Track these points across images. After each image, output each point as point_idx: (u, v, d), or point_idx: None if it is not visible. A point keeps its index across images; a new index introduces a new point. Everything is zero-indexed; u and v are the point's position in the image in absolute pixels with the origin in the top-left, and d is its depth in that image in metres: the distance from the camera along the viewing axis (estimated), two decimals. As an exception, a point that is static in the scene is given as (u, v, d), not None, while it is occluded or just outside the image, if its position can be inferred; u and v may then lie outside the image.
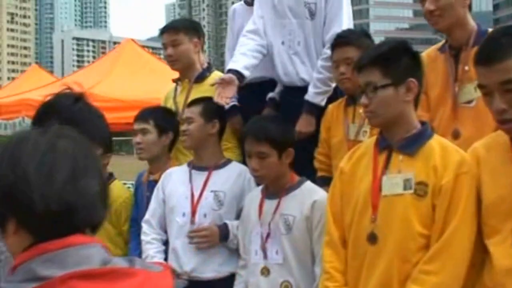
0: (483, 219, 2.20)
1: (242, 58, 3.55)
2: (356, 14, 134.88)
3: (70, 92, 2.16)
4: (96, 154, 1.25)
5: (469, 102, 2.85)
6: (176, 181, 3.41)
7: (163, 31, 3.91)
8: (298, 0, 3.58)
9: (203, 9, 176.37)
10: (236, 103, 3.77)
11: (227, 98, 3.34)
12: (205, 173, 3.35)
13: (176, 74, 4.05)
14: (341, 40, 3.22)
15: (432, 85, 2.95)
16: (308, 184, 3.04)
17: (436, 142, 2.33)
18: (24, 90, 9.94)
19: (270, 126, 2.98)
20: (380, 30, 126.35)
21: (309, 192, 2.96)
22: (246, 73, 3.49)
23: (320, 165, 3.40)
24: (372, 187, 2.34)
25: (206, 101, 3.42)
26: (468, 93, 2.85)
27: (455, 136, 2.85)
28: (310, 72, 3.56)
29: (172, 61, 3.88)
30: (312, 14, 3.56)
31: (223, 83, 3.39)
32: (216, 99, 3.32)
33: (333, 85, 3.48)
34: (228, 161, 3.44)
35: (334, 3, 3.53)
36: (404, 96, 2.32)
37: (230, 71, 3.46)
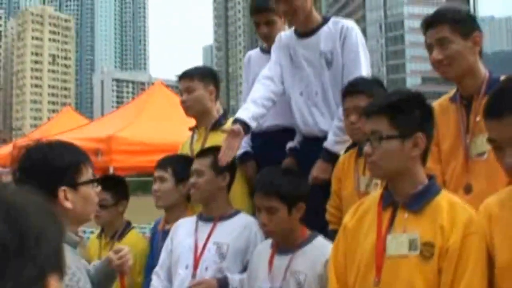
0: (496, 282, 2.02)
1: (252, 107, 3.45)
2: (392, 55, 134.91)
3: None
4: (46, 220, 1.04)
5: (481, 154, 2.71)
6: (183, 232, 3.33)
7: (180, 78, 3.92)
8: (313, 50, 3.53)
9: (240, 51, 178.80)
10: (249, 149, 3.71)
11: (230, 156, 3.23)
12: (210, 224, 3.26)
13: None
14: (352, 88, 3.13)
15: (443, 137, 2.82)
16: (320, 239, 2.90)
17: (444, 199, 2.17)
18: (55, 132, 10.08)
19: (280, 180, 2.86)
20: (416, 70, 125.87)
21: (321, 249, 2.80)
22: (253, 124, 3.39)
23: (331, 217, 3.28)
24: (376, 247, 2.19)
25: (215, 152, 3.30)
26: (480, 145, 2.70)
27: (467, 191, 2.72)
28: (329, 122, 3.48)
29: (186, 107, 3.86)
30: (329, 63, 3.50)
31: (232, 134, 3.28)
32: (222, 154, 3.20)
33: None
34: (236, 212, 3.32)
35: (352, 50, 3.46)
36: (410, 151, 2.18)
37: (237, 120, 3.36)
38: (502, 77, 2.71)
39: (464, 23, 2.80)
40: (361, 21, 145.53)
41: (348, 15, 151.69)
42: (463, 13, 2.88)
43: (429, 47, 2.84)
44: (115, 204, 3.97)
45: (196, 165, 3.34)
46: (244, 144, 3.78)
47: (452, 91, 2.95)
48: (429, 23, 2.85)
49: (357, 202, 2.49)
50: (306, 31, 3.56)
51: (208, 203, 3.32)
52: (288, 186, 2.83)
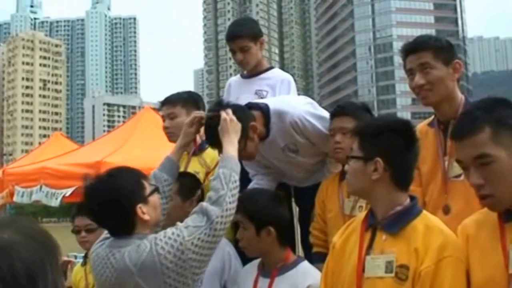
0: None
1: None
2: (382, 76, 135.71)
3: None
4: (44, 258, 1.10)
5: (459, 176, 2.78)
6: None
7: (162, 104, 3.97)
8: (274, 148, 3.41)
9: (230, 74, 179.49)
10: None
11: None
12: None
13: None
14: (339, 110, 3.24)
15: (423, 160, 2.88)
16: (304, 264, 2.90)
17: (421, 222, 2.20)
18: (46, 157, 10.09)
19: (251, 200, 2.93)
20: (406, 91, 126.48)
21: (304, 275, 2.80)
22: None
23: (315, 240, 3.34)
24: (357, 268, 2.23)
25: (181, 178, 3.32)
26: (457, 167, 2.70)
27: (446, 211, 2.81)
28: (317, 177, 3.59)
29: (168, 133, 3.90)
30: (295, 151, 3.41)
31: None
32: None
33: None
34: None
35: (312, 130, 3.32)
36: (371, 174, 2.24)
37: None
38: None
39: (446, 51, 2.91)
40: (350, 43, 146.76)
41: (337, 38, 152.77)
42: (445, 41, 2.98)
43: (410, 72, 2.93)
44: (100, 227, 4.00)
45: None
46: None
47: (430, 117, 3.06)
48: (410, 49, 2.94)
49: (347, 222, 2.54)
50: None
51: None
52: (253, 206, 2.88)
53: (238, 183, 2.64)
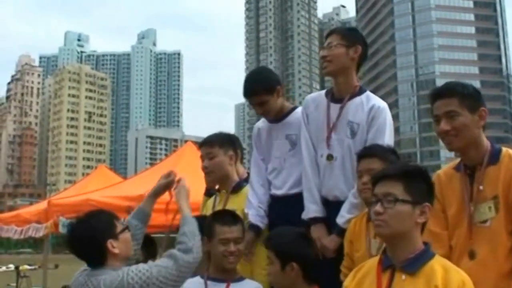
0: None
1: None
2: (424, 113, 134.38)
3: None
4: None
5: (485, 221, 2.86)
6: None
7: (201, 145, 4.16)
8: (343, 117, 3.66)
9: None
10: (258, 223, 3.88)
11: None
12: (223, 285, 3.32)
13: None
14: (367, 152, 3.31)
15: (449, 204, 2.98)
16: None
17: (437, 263, 2.34)
18: (90, 190, 10.37)
19: (276, 236, 3.12)
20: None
21: None
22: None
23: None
24: None
25: (239, 217, 3.51)
26: (483, 213, 2.86)
27: (471, 256, 2.86)
28: (340, 188, 3.64)
29: (207, 173, 4.10)
30: (353, 134, 3.61)
31: None
32: None
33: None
34: (242, 278, 3.43)
35: (378, 130, 3.56)
36: (417, 217, 2.36)
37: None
38: (504, 149, 2.93)
39: (472, 98, 2.97)
40: (392, 79, 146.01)
41: (379, 74, 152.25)
42: (471, 88, 3.03)
43: (436, 118, 3.01)
44: (144, 260, 4.13)
45: (234, 233, 3.39)
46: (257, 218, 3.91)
47: (456, 160, 3.13)
48: (438, 95, 3.04)
49: (358, 266, 2.65)
50: (341, 97, 3.71)
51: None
52: (278, 243, 3.06)
53: (199, 237, 3.16)
